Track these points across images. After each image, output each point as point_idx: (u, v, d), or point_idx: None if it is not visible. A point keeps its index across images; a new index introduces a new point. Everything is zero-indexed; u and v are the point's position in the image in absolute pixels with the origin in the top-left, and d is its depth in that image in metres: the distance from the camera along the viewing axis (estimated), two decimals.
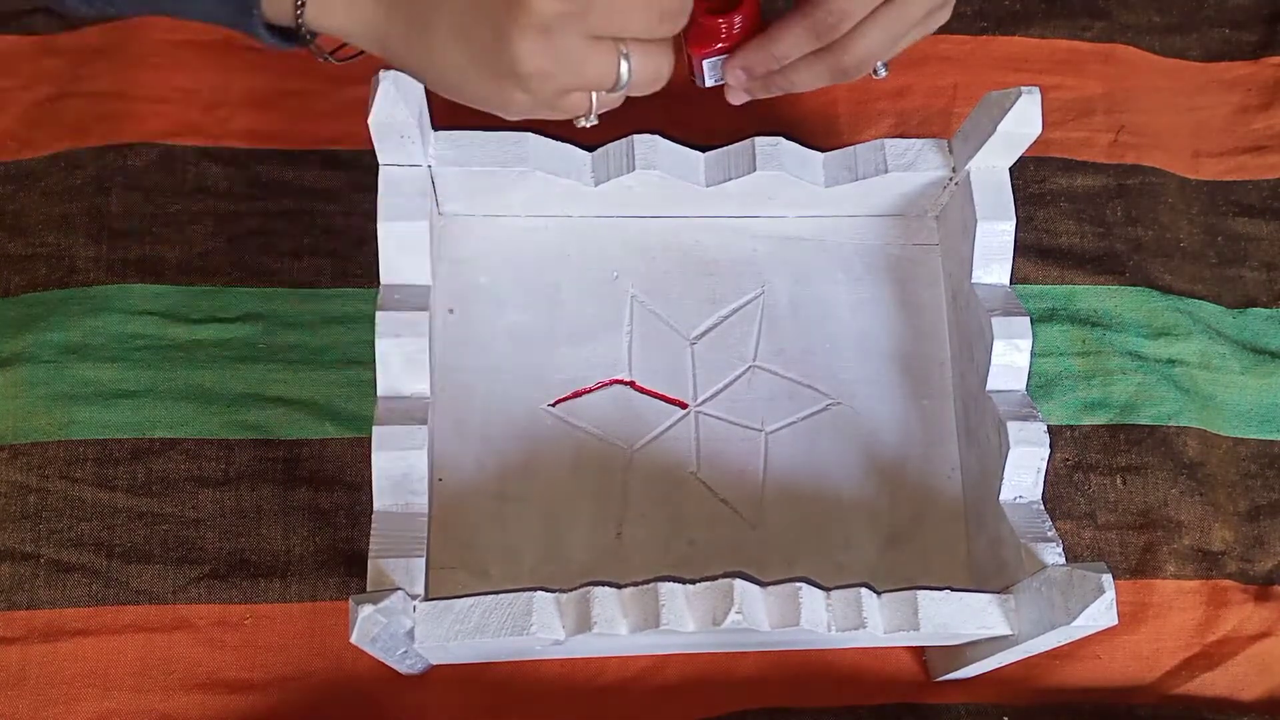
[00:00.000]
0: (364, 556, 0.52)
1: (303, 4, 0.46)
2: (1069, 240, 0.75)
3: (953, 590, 0.53)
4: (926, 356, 0.65)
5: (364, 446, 0.64)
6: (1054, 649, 0.56)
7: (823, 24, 0.54)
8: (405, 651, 0.53)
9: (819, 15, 0.54)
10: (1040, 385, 0.70)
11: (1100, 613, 0.50)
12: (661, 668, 0.64)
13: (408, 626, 0.50)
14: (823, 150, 0.62)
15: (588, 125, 0.48)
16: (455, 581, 0.58)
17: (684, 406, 0.63)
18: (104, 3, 0.48)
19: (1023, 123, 0.58)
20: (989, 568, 0.59)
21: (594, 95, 0.46)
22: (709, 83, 0.60)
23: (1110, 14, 0.81)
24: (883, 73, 0.58)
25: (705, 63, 0.59)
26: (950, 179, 0.62)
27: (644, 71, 0.46)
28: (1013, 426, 0.56)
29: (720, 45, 0.58)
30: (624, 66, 0.45)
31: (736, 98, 0.60)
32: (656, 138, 0.60)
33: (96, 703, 0.60)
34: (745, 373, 0.64)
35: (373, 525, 0.53)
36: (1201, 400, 0.72)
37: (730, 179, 0.61)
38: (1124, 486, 0.69)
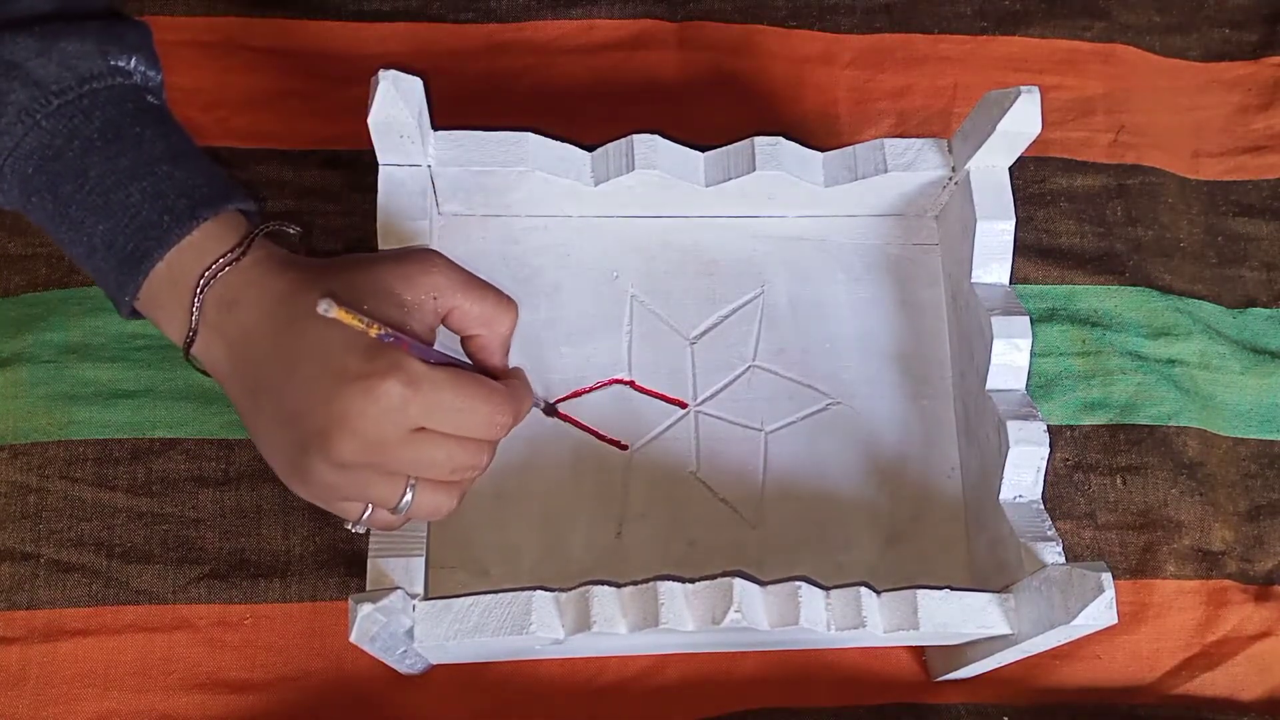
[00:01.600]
0: (364, 556, 0.52)
1: (191, 338, 0.48)
2: (1069, 240, 0.75)
3: (953, 590, 0.53)
4: (926, 356, 0.65)
5: None
6: (1054, 649, 0.56)
7: None
8: (405, 651, 0.53)
9: None
10: (1040, 385, 0.70)
11: (1100, 612, 0.50)
12: (661, 668, 0.64)
13: (407, 626, 0.50)
14: (823, 150, 0.62)
15: (357, 531, 0.51)
16: (455, 581, 0.58)
17: (684, 406, 0.63)
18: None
19: (1022, 122, 0.58)
20: (989, 567, 0.59)
21: (368, 508, 0.49)
22: None
23: (1110, 14, 0.81)
24: None
25: None
26: (950, 179, 0.62)
27: (423, 507, 0.49)
28: (1013, 426, 0.56)
29: None
30: (406, 498, 0.48)
31: None
32: (656, 138, 0.60)
33: (96, 703, 0.61)
34: (745, 372, 0.64)
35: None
36: (1201, 400, 0.72)
37: (730, 179, 0.61)
38: (1124, 486, 0.69)
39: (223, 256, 0.47)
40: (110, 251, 0.47)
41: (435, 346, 0.49)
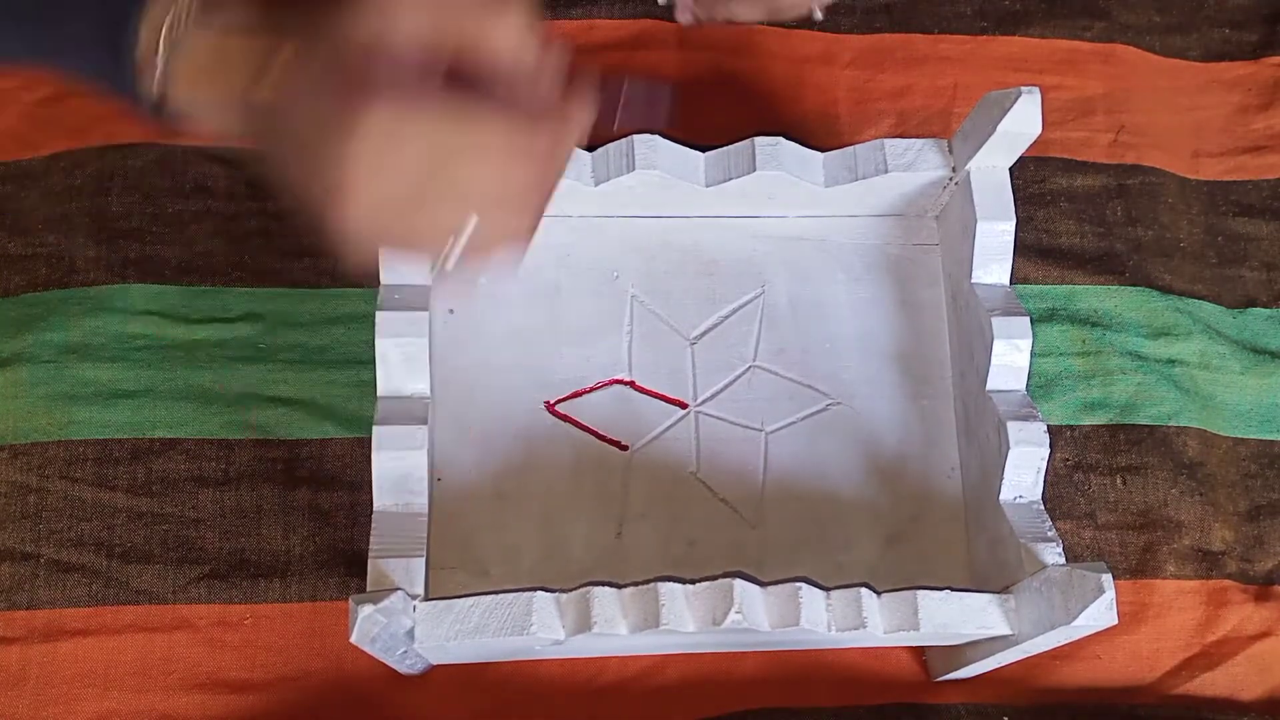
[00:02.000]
0: (364, 556, 0.52)
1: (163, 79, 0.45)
2: (1069, 240, 0.75)
3: (953, 590, 0.53)
4: (926, 356, 0.65)
5: (364, 446, 0.64)
6: (1054, 649, 0.56)
7: None
8: (405, 651, 0.53)
9: None
10: (1040, 385, 0.70)
11: (1100, 613, 0.50)
12: (661, 668, 0.64)
13: (408, 626, 0.50)
14: (823, 150, 0.62)
15: (441, 271, 0.46)
16: (455, 581, 0.58)
17: (684, 406, 0.63)
18: None
19: (1023, 123, 0.57)
20: (989, 568, 0.59)
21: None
22: (661, 1, 0.67)
23: (1110, 14, 0.81)
24: (818, 15, 0.64)
25: None
26: (950, 179, 0.62)
27: (494, 237, 0.45)
28: (1013, 426, 0.56)
29: None
30: (465, 234, 0.44)
31: (684, 17, 0.66)
32: (656, 138, 0.60)
33: (96, 703, 0.60)
34: (745, 373, 0.64)
35: (373, 525, 0.53)
36: (1201, 400, 0.72)
37: (730, 179, 0.61)
38: (1124, 486, 0.69)
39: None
40: (96, 33, 0.45)
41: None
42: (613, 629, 0.51)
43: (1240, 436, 0.72)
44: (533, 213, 0.46)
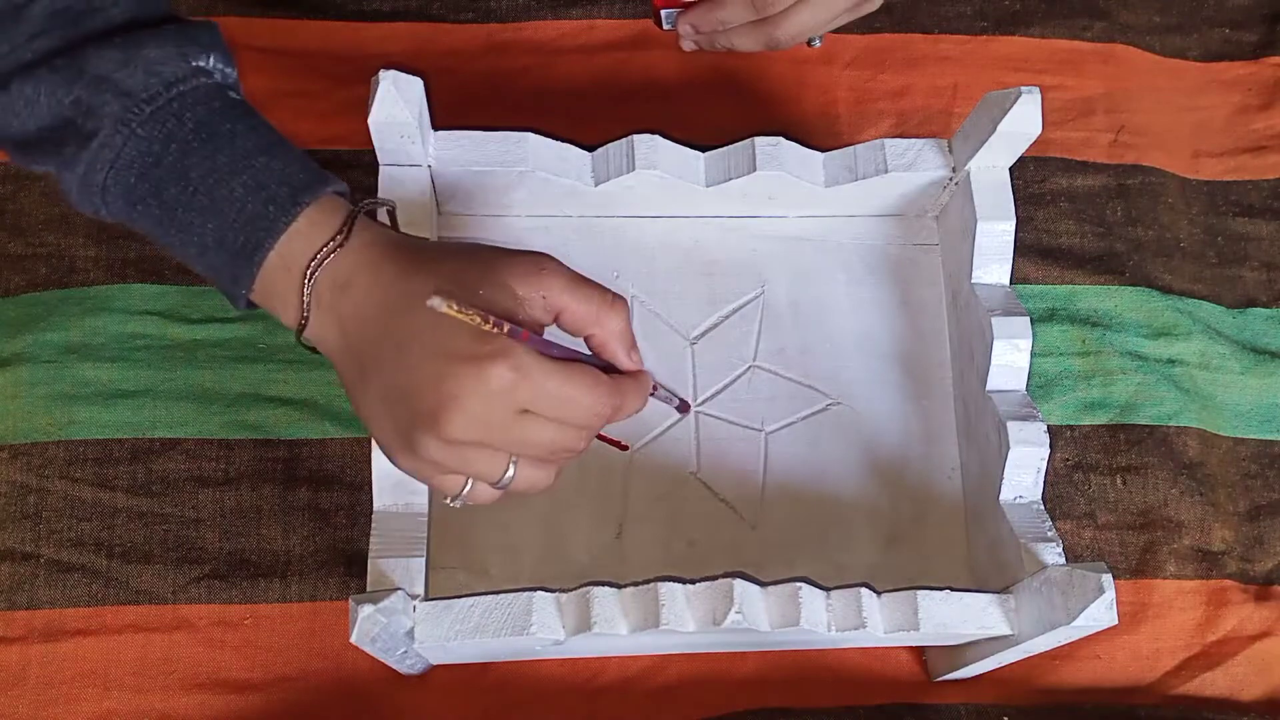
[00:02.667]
0: (364, 556, 0.52)
1: (305, 321, 0.49)
2: (1069, 240, 0.75)
3: (953, 590, 0.53)
4: (926, 356, 0.65)
5: (364, 446, 0.64)
6: (1054, 649, 0.56)
7: (761, 1, 0.62)
8: (405, 651, 0.53)
9: None
10: (1040, 385, 0.70)
11: (1100, 613, 0.50)
12: (661, 668, 0.64)
13: (408, 626, 0.50)
14: (823, 150, 0.62)
15: (454, 505, 0.51)
16: (455, 581, 0.58)
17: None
18: (102, 210, 0.50)
19: (1023, 123, 0.58)
20: (989, 568, 0.59)
21: (468, 484, 0.50)
22: (666, 27, 0.67)
23: (1110, 14, 0.81)
24: (817, 43, 0.66)
25: (663, 11, 0.66)
26: (950, 179, 0.62)
27: (523, 482, 0.50)
28: (1013, 426, 0.56)
29: (678, 0, 0.65)
30: (509, 473, 0.49)
31: (686, 45, 0.67)
32: (656, 138, 0.60)
33: (96, 703, 0.60)
34: (745, 373, 0.64)
35: (373, 525, 0.53)
36: (1201, 400, 0.72)
37: (730, 179, 0.61)
38: (1124, 486, 0.69)
39: (331, 239, 0.48)
40: (222, 248, 0.49)
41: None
42: (613, 629, 0.51)
43: (1240, 436, 0.72)
44: (556, 473, 0.51)
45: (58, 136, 0.48)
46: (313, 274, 0.48)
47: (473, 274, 0.48)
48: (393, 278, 0.48)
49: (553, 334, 0.49)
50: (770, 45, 0.64)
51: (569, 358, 0.49)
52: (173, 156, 0.48)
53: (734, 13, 0.63)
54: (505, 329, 0.45)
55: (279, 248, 0.48)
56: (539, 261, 0.49)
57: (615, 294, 0.51)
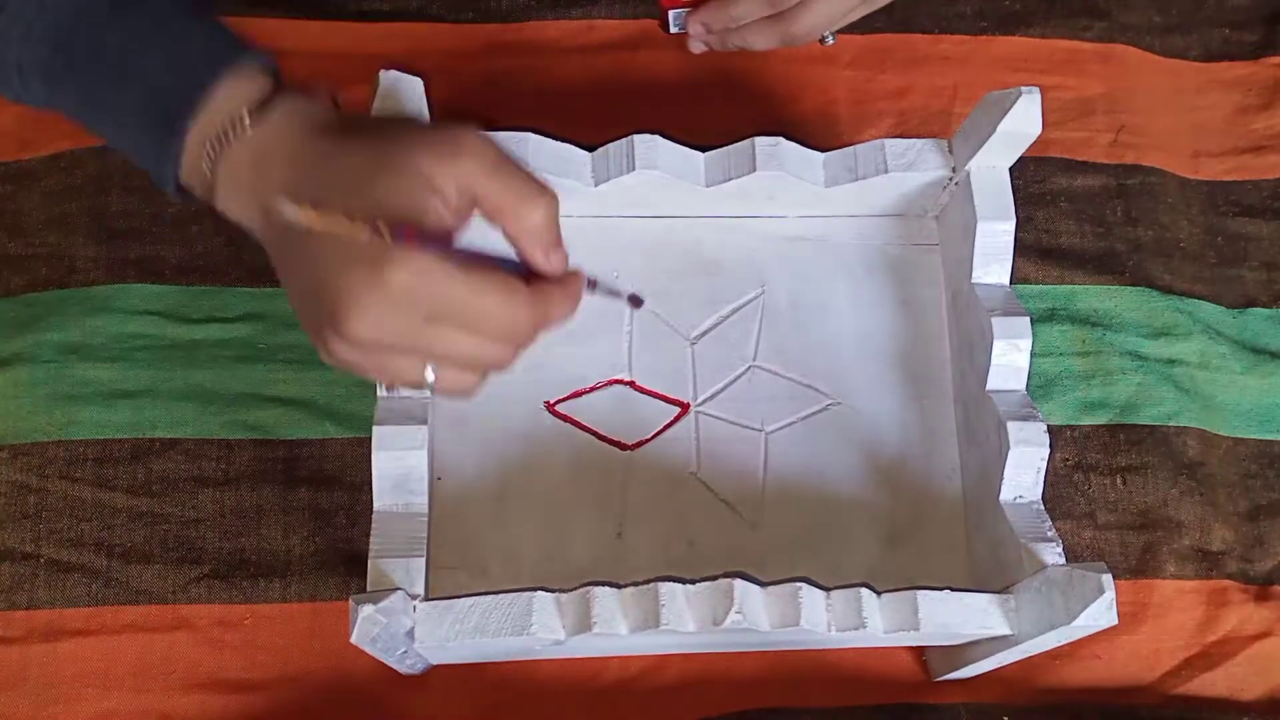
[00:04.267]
0: (364, 556, 0.52)
1: (212, 184, 0.46)
2: (1069, 240, 0.75)
3: (953, 590, 0.53)
4: (926, 356, 0.65)
5: (364, 446, 0.64)
6: (1054, 649, 0.56)
7: None
8: (405, 651, 0.53)
9: None
10: (1040, 385, 0.70)
11: (1100, 613, 0.50)
12: (661, 668, 0.64)
13: (408, 626, 0.50)
14: (823, 150, 0.62)
15: (388, 395, 0.50)
16: (455, 581, 0.58)
17: (684, 406, 0.63)
18: (22, 93, 0.48)
19: (1023, 123, 0.57)
20: (989, 568, 0.59)
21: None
22: (673, 30, 0.66)
23: (1110, 14, 0.81)
24: (830, 40, 0.66)
25: (671, 13, 0.65)
26: (950, 179, 0.62)
27: (446, 387, 0.47)
28: (1013, 426, 0.56)
29: (686, 0, 0.64)
30: (429, 379, 0.46)
31: (696, 47, 0.67)
32: (656, 138, 0.60)
33: (96, 703, 0.60)
34: (745, 373, 0.64)
35: (373, 525, 0.53)
36: (1201, 400, 0.72)
37: (730, 179, 0.61)
38: (1124, 486, 0.69)
39: (243, 112, 0.46)
40: (144, 122, 0.46)
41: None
42: (613, 629, 0.51)
43: (1240, 436, 0.72)
44: (482, 379, 0.48)
45: None
46: (216, 147, 0.45)
47: (381, 160, 0.44)
48: (309, 164, 0.45)
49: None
50: (785, 41, 0.63)
51: (485, 263, 0.44)
52: (85, 29, 0.45)
53: (747, 9, 0.62)
54: (385, 233, 0.41)
55: (200, 121, 0.45)
56: (457, 140, 0.45)
57: (541, 184, 0.46)
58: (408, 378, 0.46)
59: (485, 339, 0.45)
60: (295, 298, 0.46)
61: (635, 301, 0.57)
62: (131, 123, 0.46)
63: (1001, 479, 0.57)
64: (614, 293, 0.53)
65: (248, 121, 0.45)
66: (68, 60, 0.46)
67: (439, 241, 0.43)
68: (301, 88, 0.48)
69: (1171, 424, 0.70)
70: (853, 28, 0.78)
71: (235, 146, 0.45)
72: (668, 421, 0.63)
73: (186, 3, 0.47)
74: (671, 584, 0.51)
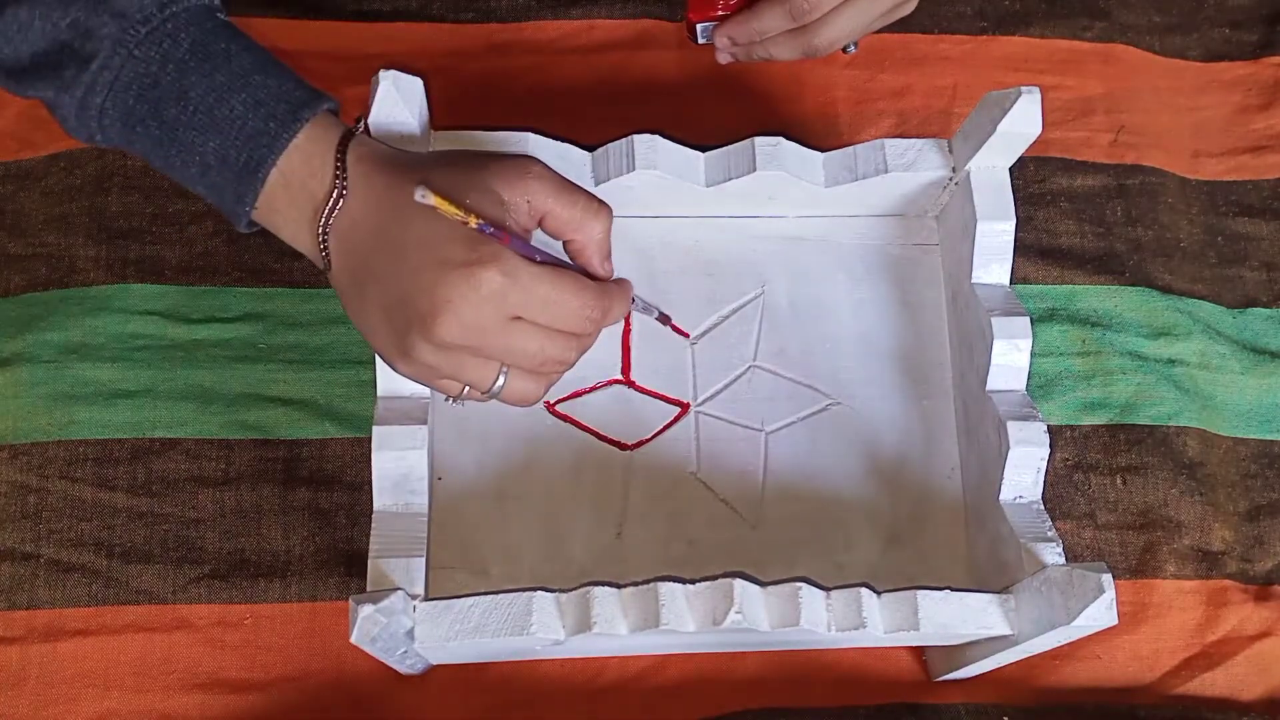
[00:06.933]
0: (364, 556, 0.52)
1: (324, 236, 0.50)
2: (1069, 240, 0.75)
3: (953, 590, 0.53)
4: (926, 356, 0.65)
5: (364, 446, 0.64)
6: (1054, 649, 0.56)
7: (798, 8, 0.63)
8: (405, 651, 0.53)
9: (796, 1, 0.62)
10: (1040, 385, 0.70)
11: (1100, 613, 0.50)
12: (661, 668, 0.64)
13: (408, 626, 0.50)
14: (823, 150, 0.62)
15: (453, 404, 0.54)
16: (455, 581, 0.58)
17: (684, 406, 0.63)
18: (98, 135, 0.51)
19: (1023, 123, 0.57)
20: (989, 568, 0.59)
21: (465, 388, 0.52)
22: (701, 41, 0.68)
23: (1110, 14, 0.81)
24: (852, 49, 0.67)
25: (699, 26, 0.67)
26: (950, 179, 0.62)
27: (514, 392, 0.52)
28: (1013, 426, 0.56)
29: (714, 13, 0.67)
30: (499, 382, 0.51)
31: (723, 59, 0.69)
32: (656, 138, 0.60)
33: (96, 703, 0.61)
34: (745, 373, 0.64)
35: (373, 525, 0.53)
36: (1201, 400, 0.72)
37: (730, 179, 0.61)
38: (1124, 486, 0.69)
39: (333, 153, 0.50)
40: (224, 166, 0.50)
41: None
42: (613, 629, 0.51)
43: (1240, 436, 0.72)
44: (547, 385, 0.53)
45: (54, 61, 0.49)
46: (327, 217, 0.49)
47: (461, 177, 0.49)
48: (386, 186, 0.49)
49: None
50: (809, 53, 0.65)
51: (554, 263, 0.50)
52: (171, 76, 0.49)
53: (771, 22, 0.64)
54: (489, 229, 0.47)
55: (280, 164, 0.49)
56: (525, 165, 0.51)
57: (600, 201, 0.52)
58: (480, 382, 0.51)
59: (558, 337, 0.51)
60: (375, 314, 0.50)
61: (664, 320, 0.62)
62: (214, 164, 0.50)
63: (1001, 479, 0.57)
64: (648, 307, 0.61)
65: (332, 162, 0.50)
66: (153, 106, 0.49)
67: (522, 242, 0.49)
68: (364, 125, 0.54)
69: (1171, 424, 0.70)
70: None
71: (314, 185, 0.50)
72: (668, 421, 0.63)
73: (264, 54, 0.51)
74: (671, 584, 0.51)
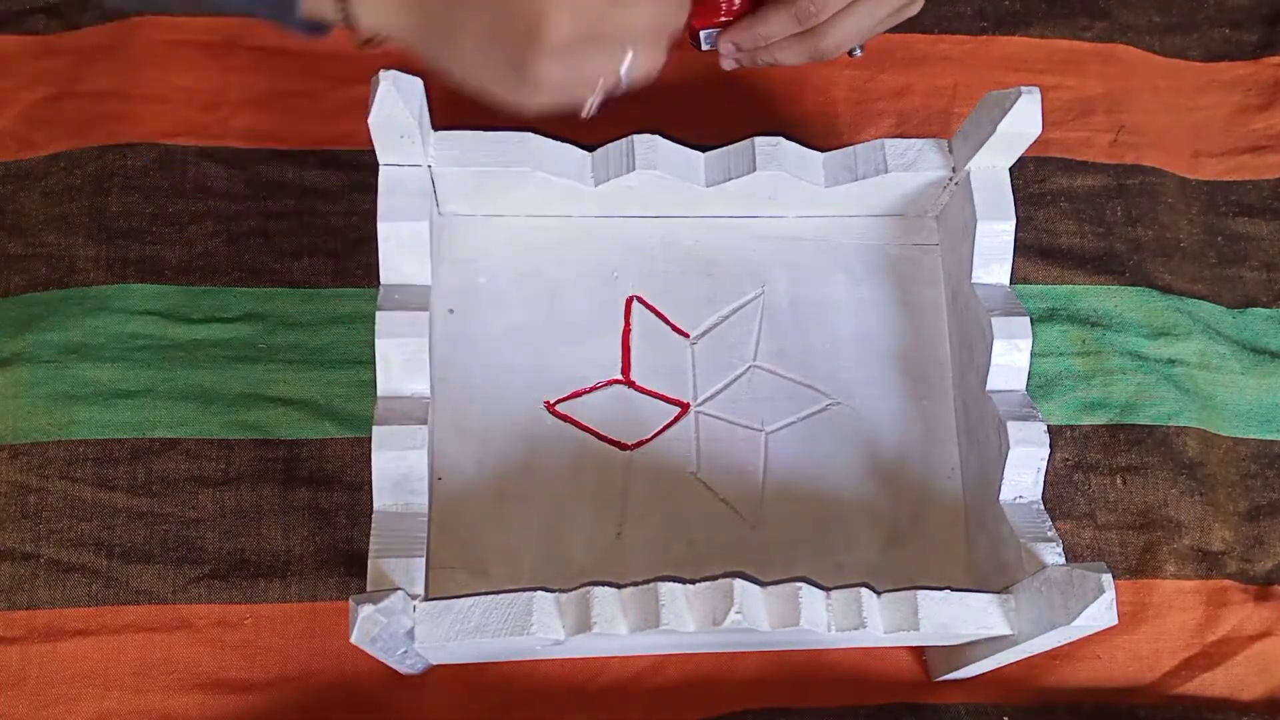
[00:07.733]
0: (364, 556, 0.52)
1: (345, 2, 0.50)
2: (1069, 240, 0.75)
3: (953, 590, 0.53)
4: (926, 356, 0.65)
5: (364, 446, 0.64)
6: (1054, 649, 0.56)
7: (805, 11, 0.61)
8: (405, 651, 0.53)
9: (802, 4, 0.61)
10: (1040, 385, 0.70)
11: (1100, 613, 0.50)
12: (661, 668, 0.64)
13: (408, 626, 0.50)
14: (823, 150, 0.62)
15: (589, 115, 0.54)
16: (455, 581, 0.58)
17: (684, 406, 0.63)
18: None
19: (1023, 123, 0.58)
20: (989, 568, 0.59)
21: (599, 86, 0.52)
22: (704, 48, 0.67)
23: (1110, 14, 0.81)
24: (858, 53, 0.66)
25: (702, 33, 0.66)
26: (950, 179, 0.62)
27: (644, 66, 0.52)
28: (1013, 426, 0.56)
29: (717, 20, 0.65)
30: (625, 68, 0.51)
31: (727, 65, 0.67)
32: (656, 138, 0.60)
33: (96, 703, 0.61)
34: (745, 373, 0.64)
35: (373, 525, 0.53)
36: (1201, 400, 0.72)
37: (730, 179, 0.61)
38: (1124, 486, 0.69)
39: None
40: None
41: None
42: (613, 629, 0.51)
43: (1240, 436, 0.72)
44: (666, 49, 0.53)
45: None
46: None
47: None
48: None
49: None
50: (815, 57, 0.64)
51: None
52: None
53: (777, 27, 0.63)
54: None
55: None
56: None
57: None
58: (609, 71, 0.50)
59: (658, 5, 0.50)
60: (474, 54, 0.49)
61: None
62: None
63: (1001, 479, 0.57)
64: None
65: None
66: None
67: None
68: None
69: (1171, 424, 0.70)
70: None
71: None
72: (668, 421, 0.63)
73: None
74: (671, 584, 0.51)
